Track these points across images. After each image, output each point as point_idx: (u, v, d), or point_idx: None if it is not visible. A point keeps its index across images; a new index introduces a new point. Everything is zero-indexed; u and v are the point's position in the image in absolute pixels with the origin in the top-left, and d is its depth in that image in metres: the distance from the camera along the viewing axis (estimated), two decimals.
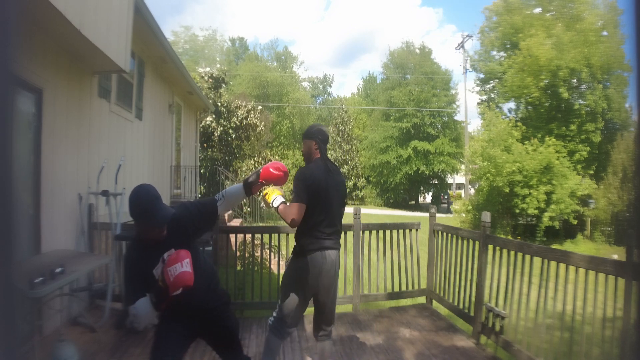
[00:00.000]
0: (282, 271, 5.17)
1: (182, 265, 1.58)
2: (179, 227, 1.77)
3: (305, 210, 2.22)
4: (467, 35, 24.84)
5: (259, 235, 4.58)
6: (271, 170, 1.95)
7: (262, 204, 2.28)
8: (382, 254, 4.24)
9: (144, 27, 5.21)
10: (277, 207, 2.23)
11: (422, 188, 31.87)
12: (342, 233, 4.15)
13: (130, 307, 1.65)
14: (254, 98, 25.41)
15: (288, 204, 2.27)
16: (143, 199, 1.68)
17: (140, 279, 1.70)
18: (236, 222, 9.48)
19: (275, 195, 2.26)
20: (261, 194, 2.29)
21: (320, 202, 2.26)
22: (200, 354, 3.04)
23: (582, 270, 2.48)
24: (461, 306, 3.70)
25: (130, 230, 3.84)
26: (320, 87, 42.49)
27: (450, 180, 34.12)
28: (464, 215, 16.02)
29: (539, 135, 15.66)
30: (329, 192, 2.29)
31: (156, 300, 1.62)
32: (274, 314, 2.42)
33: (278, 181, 2.00)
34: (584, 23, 16.68)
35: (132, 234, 1.93)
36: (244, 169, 14.71)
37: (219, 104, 14.44)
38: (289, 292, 2.34)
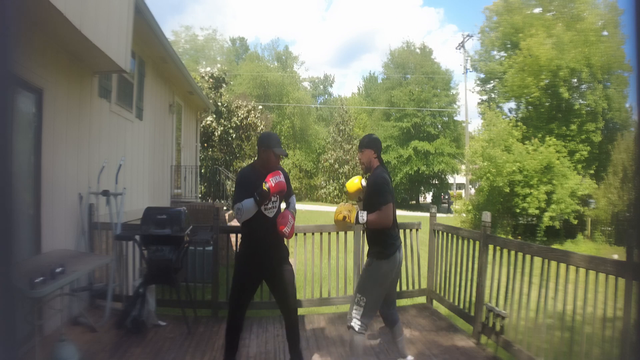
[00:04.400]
0: None
1: (281, 177, 2.55)
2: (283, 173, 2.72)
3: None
4: (468, 35, 24.89)
5: None
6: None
7: (343, 227, 2.76)
8: None
9: (144, 27, 5.21)
10: (367, 220, 2.44)
11: (422, 188, 31.89)
12: (343, 233, 4.20)
13: (237, 204, 2.51)
14: (254, 98, 25.45)
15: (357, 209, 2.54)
16: (278, 138, 2.75)
17: (247, 188, 2.57)
18: (236, 222, 9.47)
19: (357, 211, 2.48)
20: (343, 217, 2.49)
21: (394, 203, 2.54)
22: (201, 354, 3.05)
23: (582, 270, 2.47)
24: (461, 306, 3.70)
25: (131, 230, 3.84)
26: (321, 87, 42.49)
27: (450, 180, 34.11)
28: (464, 215, 16.03)
29: (540, 135, 15.66)
30: (394, 195, 2.60)
31: (259, 199, 2.49)
32: (359, 317, 2.48)
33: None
34: (584, 23, 16.68)
35: (245, 168, 2.77)
36: None
37: (220, 103, 14.45)
38: (380, 293, 2.53)
